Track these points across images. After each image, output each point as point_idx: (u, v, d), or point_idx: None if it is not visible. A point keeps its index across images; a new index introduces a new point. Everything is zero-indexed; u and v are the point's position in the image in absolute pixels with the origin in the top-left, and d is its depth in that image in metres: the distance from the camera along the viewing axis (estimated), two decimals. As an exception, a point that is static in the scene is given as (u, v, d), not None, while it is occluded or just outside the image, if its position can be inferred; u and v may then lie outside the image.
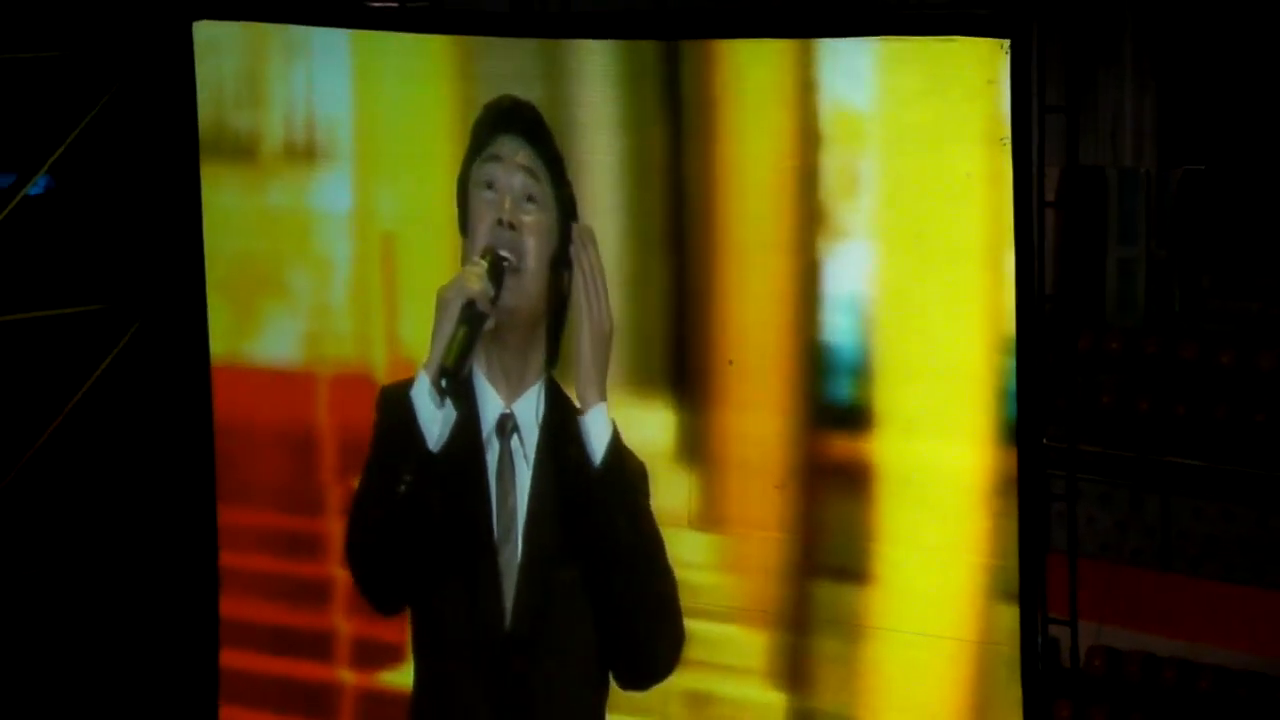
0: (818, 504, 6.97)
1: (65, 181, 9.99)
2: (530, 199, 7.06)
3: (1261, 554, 9.40)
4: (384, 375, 7.49)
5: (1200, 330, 10.06)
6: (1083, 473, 8.06)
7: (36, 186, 9.81)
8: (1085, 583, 7.37)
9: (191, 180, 7.91)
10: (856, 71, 6.80)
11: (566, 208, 7.09)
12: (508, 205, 7.04)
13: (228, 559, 8.00)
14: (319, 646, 7.81)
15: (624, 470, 7.08)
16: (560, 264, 7.05)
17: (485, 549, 7.24)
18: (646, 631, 7.21)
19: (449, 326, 6.97)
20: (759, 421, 7.00)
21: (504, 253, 7.00)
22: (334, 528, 7.66)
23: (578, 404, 7.08)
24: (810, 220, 6.88)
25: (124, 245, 9.88)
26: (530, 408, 7.19)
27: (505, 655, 7.26)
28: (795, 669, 7.06)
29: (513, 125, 7.13)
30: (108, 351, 9.76)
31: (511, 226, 7.03)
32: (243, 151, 7.83)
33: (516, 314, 7.08)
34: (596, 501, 7.10)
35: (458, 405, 7.11)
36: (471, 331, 6.96)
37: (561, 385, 7.17)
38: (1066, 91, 7.51)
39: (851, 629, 6.94)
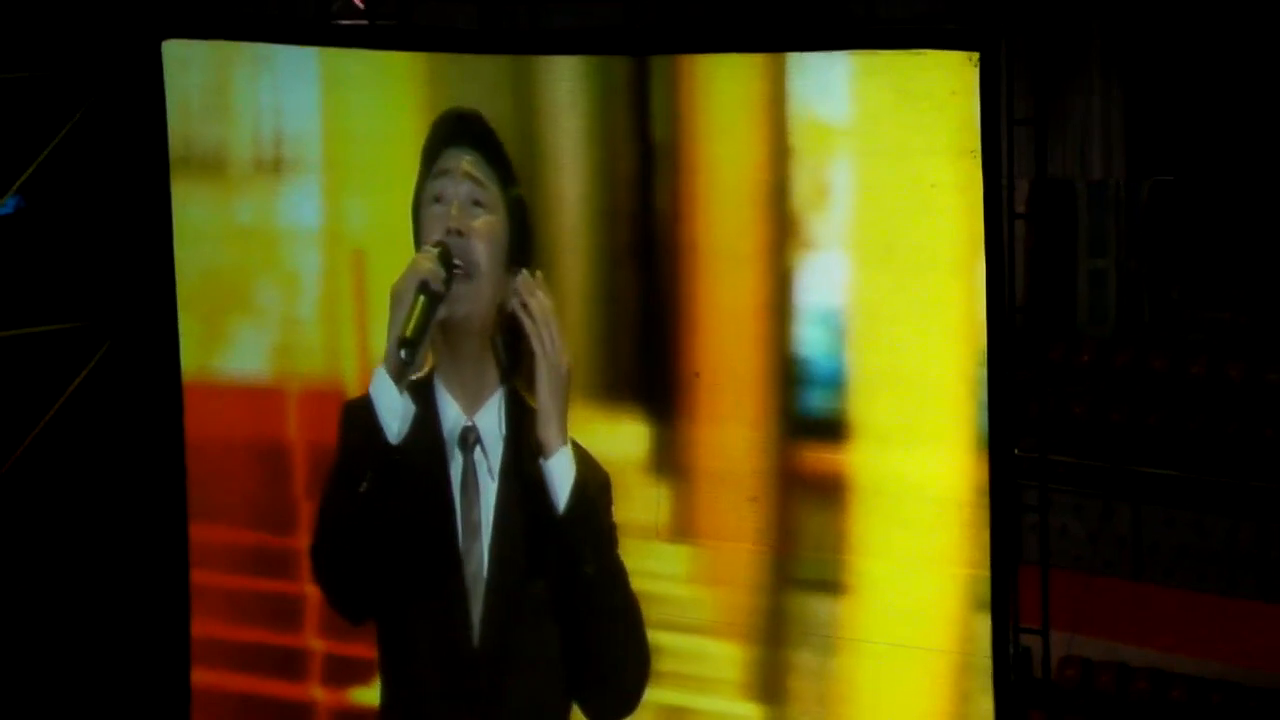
0: (791, 516, 6.96)
1: (36, 201, 9.96)
2: (477, 203, 7.03)
3: (1233, 564, 9.42)
4: (355, 390, 7.45)
5: (1171, 340, 10.10)
6: (1055, 483, 8.07)
7: (6, 206, 9.79)
8: (1057, 593, 7.37)
9: (162, 198, 7.88)
10: (827, 85, 6.81)
11: (516, 210, 7.06)
12: (455, 212, 7.01)
13: (199, 576, 7.95)
14: (291, 664, 7.77)
15: (589, 511, 7.01)
16: (512, 267, 7.02)
17: (450, 562, 7.19)
18: (613, 665, 7.17)
19: (404, 312, 6.89)
20: (731, 434, 6.99)
21: (456, 260, 6.96)
22: (306, 544, 7.61)
23: (539, 439, 7.00)
24: (781, 232, 6.88)
25: (95, 263, 9.86)
26: (492, 420, 7.15)
27: (474, 672, 7.22)
28: (769, 681, 7.04)
29: (457, 137, 7.11)
30: (80, 369, 9.73)
31: (460, 234, 6.99)
32: (213, 168, 7.80)
33: (470, 321, 7.03)
34: (563, 546, 7.04)
35: (417, 402, 7.05)
36: (430, 303, 6.88)
37: (522, 394, 7.13)
38: (1035, 104, 7.54)
39: (825, 640, 6.93)
